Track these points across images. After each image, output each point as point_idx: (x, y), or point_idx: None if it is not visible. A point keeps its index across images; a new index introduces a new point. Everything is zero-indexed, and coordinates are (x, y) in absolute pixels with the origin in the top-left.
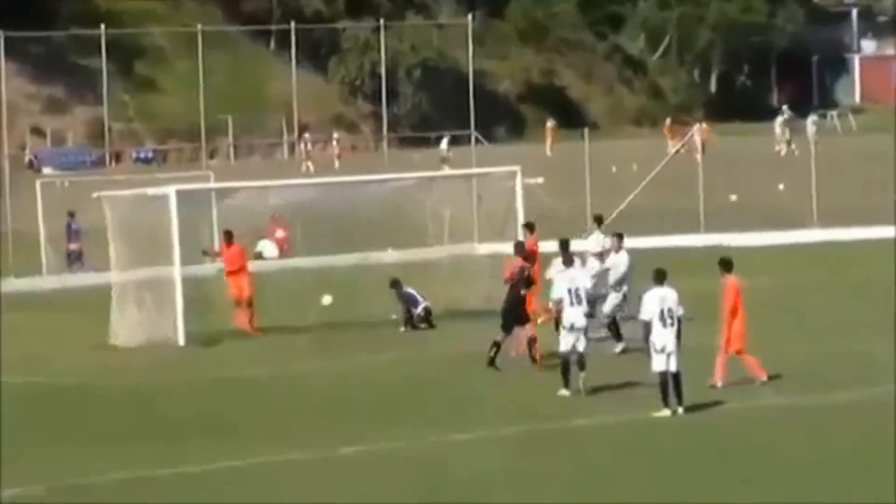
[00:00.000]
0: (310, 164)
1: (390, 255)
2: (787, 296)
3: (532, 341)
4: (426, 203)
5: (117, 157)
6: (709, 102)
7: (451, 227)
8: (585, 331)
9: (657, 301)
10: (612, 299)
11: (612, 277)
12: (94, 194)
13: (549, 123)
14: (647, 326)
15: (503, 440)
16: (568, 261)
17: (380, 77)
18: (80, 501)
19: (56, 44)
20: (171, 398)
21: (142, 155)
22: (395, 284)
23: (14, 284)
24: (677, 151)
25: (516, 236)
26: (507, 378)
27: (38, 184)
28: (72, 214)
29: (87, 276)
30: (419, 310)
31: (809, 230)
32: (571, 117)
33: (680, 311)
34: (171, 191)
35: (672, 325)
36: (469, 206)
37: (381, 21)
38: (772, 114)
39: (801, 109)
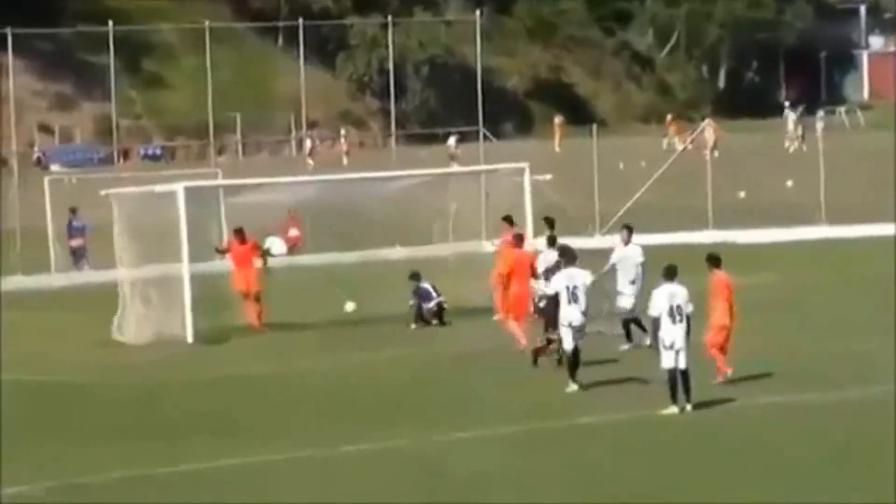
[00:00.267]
0: (311, 160)
1: (398, 252)
2: (794, 293)
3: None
4: (434, 200)
5: (125, 154)
6: (717, 99)
7: (458, 224)
8: (582, 329)
9: (666, 297)
10: (630, 295)
11: (622, 270)
12: (102, 191)
13: (557, 120)
14: (656, 323)
15: (507, 438)
16: (570, 259)
17: (388, 73)
18: (82, 500)
19: (64, 40)
20: (175, 396)
21: (150, 152)
22: (415, 276)
23: (22, 282)
24: (685, 148)
25: (524, 233)
26: (512, 376)
27: (46, 181)
28: (73, 211)
29: (95, 274)
30: (431, 304)
31: (817, 227)
32: (579, 114)
33: (689, 308)
34: (179, 188)
35: (681, 321)
36: (477, 202)
37: (389, 17)
38: (780, 110)
39: (808, 106)
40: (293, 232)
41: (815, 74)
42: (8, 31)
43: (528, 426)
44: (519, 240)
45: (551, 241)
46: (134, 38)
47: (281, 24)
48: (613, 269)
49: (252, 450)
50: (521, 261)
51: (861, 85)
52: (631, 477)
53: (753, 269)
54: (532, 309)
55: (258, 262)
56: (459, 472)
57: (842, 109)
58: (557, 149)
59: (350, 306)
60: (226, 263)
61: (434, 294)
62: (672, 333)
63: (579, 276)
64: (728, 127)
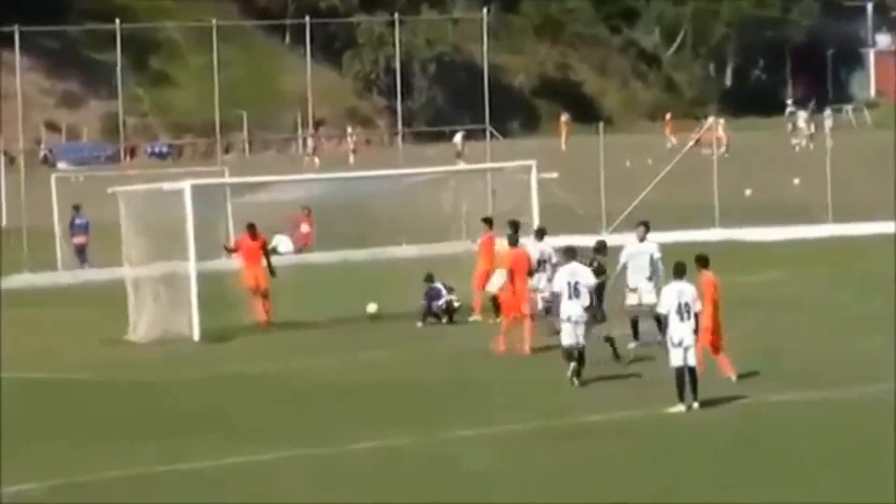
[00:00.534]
0: (316, 159)
1: (404, 250)
2: (801, 290)
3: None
4: (441, 198)
5: (132, 151)
6: (723, 97)
7: (465, 222)
8: (584, 324)
9: (675, 295)
10: (649, 291)
11: (634, 268)
12: (110, 189)
13: (564, 118)
14: (665, 320)
15: (514, 436)
16: (571, 256)
17: (394, 71)
18: (86, 498)
19: (71, 38)
20: (181, 394)
21: (156, 150)
22: (429, 279)
23: (29, 279)
24: (695, 144)
25: (531, 231)
26: (518, 374)
27: (52, 179)
28: (77, 208)
29: (101, 272)
30: (440, 302)
31: (824, 225)
32: (586, 112)
33: (698, 306)
34: (186, 186)
35: (689, 319)
36: (484, 200)
37: (396, 15)
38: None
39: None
40: (305, 228)
41: (821, 73)
42: (15, 28)
43: (535, 424)
44: (514, 240)
45: (539, 235)
46: (141, 36)
47: (288, 22)
48: (624, 266)
49: (258, 448)
50: (518, 259)
51: (868, 83)
52: (638, 475)
53: (760, 267)
54: (541, 307)
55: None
56: (465, 470)
57: (849, 108)
58: (564, 147)
59: (372, 307)
60: (233, 261)
61: (444, 292)
62: (680, 331)
63: (581, 272)
64: (734, 125)
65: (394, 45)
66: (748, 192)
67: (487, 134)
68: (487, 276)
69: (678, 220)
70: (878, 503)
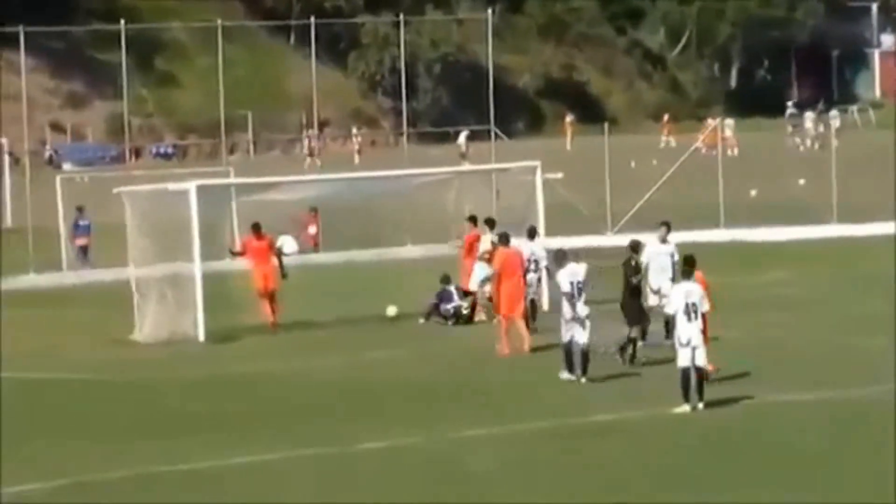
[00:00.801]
0: (316, 160)
1: (409, 251)
2: (806, 291)
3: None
4: (445, 198)
5: (137, 152)
6: (728, 97)
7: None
8: (585, 322)
9: (682, 295)
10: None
11: (656, 269)
12: (115, 189)
13: (568, 118)
14: (672, 320)
15: (520, 436)
16: (563, 258)
17: (399, 72)
18: (91, 498)
19: (76, 39)
20: (185, 394)
21: (161, 150)
22: (445, 280)
23: (34, 280)
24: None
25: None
26: (525, 374)
27: (57, 179)
28: (80, 210)
29: (107, 272)
30: (450, 306)
31: (829, 225)
32: (591, 112)
33: (705, 307)
34: (191, 186)
35: (696, 319)
36: (488, 201)
37: (401, 16)
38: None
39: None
40: (313, 230)
41: (826, 73)
42: (20, 29)
43: (540, 424)
44: (505, 239)
45: (531, 235)
46: (146, 36)
47: (293, 22)
48: (646, 267)
49: (262, 448)
50: (511, 259)
51: (873, 83)
52: (643, 475)
53: (765, 268)
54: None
55: (275, 261)
56: (470, 470)
57: (854, 108)
58: (569, 147)
59: (392, 310)
60: (239, 262)
61: (455, 297)
62: (688, 331)
63: (581, 271)
64: (739, 125)
65: (399, 45)
66: (753, 192)
67: (492, 134)
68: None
69: (683, 220)
70: (878, 503)
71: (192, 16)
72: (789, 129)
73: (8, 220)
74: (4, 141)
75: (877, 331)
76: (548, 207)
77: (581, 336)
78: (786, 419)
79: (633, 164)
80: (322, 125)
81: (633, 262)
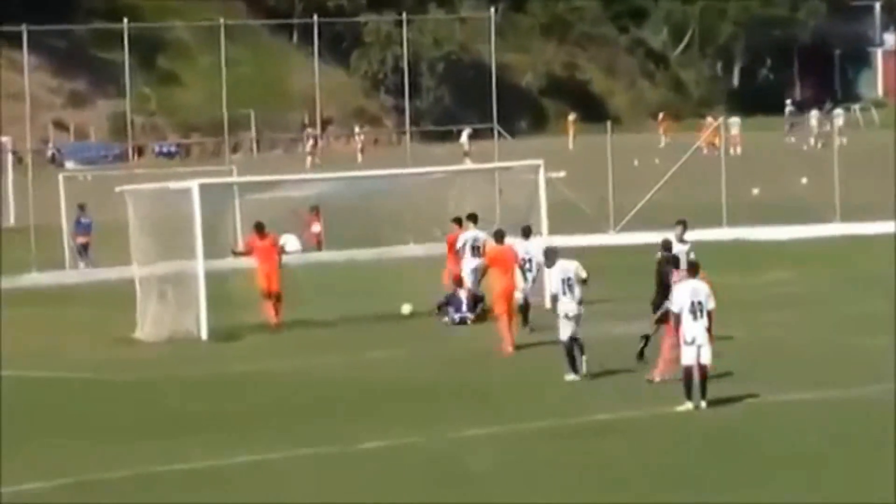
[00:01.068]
0: (316, 158)
1: (411, 249)
2: (808, 290)
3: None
4: (448, 197)
5: (139, 151)
6: (731, 96)
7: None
8: (578, 318)
9: (688, 293)
10: None
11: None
12: (118, 188)
13: (571, 117)
14: (677, 319)
15: (521, 436)
16: (555, 254)
17: (402, 71)
18: (93, 497)
19: (79, 38)
20: (189, 393)
21: (164, 149)
22: (457, 283)
23: (36, 278)
24: (698, 146)
25: (539, 230)
26: (525, 374)
27: (60, 178)
28: (82, 208)
29: (109, 271)
30: (455, 316)
31: (831, 224)
32: (593, 111)
33: (711, 305)
34: (194, 185)
35: (702, 317)
36: (491, 200)
37: (404, 14)
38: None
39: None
40: (315, 228)
41: (829, 72)
42: (23, 28)
43: (541, 423)
44: (499, 236)
45: (526, 233)
46: (149, 35)
47: (296, 21)
48: None
49: (263, 447)
50: (503, 257)
51: (875, 83)
52: (645, 474)
53: (767, 267)
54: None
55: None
56: (473, 469)
57: (856, 107)
58: (571, 146)
59: (406, 308)
60: (243, 261)
61: (464, 307)
62: (693, 329)
63: (572, 268)
64: (742, 124)
65: (401, 44)
66: (756, 191)
67: (495, 133)
68: (458, 276)
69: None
70: (878, 503)
71: (195, 15)
72: (787, 127)
73: (10, 219)
74: (7, 139)
75: (879, 330)
76: (550, 206)
77: (564, 333)
78: (787, 419)
79: (635, 162)
80: (325, 124)
81: (666, 261)
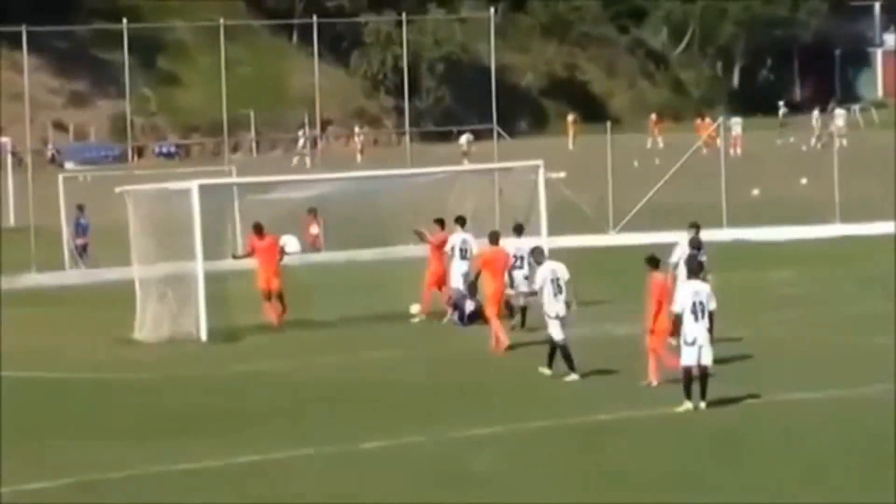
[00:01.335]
0: (306, 159)
1: (411, 250)
2: (808, 290)
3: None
4: (448, 198)
5: (140, 151)
6: (731, 96)
7: (473, 222)
8: (566, 320)
9: (690, 294)
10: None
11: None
12: (117, 189)
13: (571, 117)
14: (679, 319)
15: (522, 436)
16: (541, 254)
17: (402, 71)
18: (95, 497)
19: (79, 38)
20: (189, 393)
21: (164, 150)
22: (471, 289)
23: (36, 279)
24: (699, 146)
25: (539, 230)
26: (525, 374)
27: (60, 178)
28: (80, 208)
29: (109, 271)
30: (455, 318)
31: (832, 225)
32: (594, 111)
33: (712, 306)
34: (193, 185)
35: (703, 318)
36: (491, 200)
37: (404, 15)
38: (794, 108)
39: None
40: (314, 230)
41: (829, 72)
42: (23, 28)
43: (543, 424)
44: (494, 238)
45: (518, 231)
46: (149, 36)
47: (295, 21)
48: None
49: (264, 447)
50: (496, 259)
51: (875, 83)
52: (646, 474)
53: (767, 267)
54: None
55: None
56: (473, 469)
57: (856, 107)
58: (571, 146)
59: (415, 308)
60: (243, 262)
61: (465, 316)
62: (694, 330)
63: (560, 268)
64: (742, 125)
65: (401, 44)
66: (756, 191)
67: (495, 133)
68: (440, 276)
69: (686, 219)
70: (878, 503)
71: (195, 15)
72: (780, 129)
73: (10, 219)
74: (7, 140)
75: (879, 330)
76: (550, 207)
77: (558, 333)
78: (787, 419)
79: (635, 163)
80: (324, 124)
81: (697, 261)
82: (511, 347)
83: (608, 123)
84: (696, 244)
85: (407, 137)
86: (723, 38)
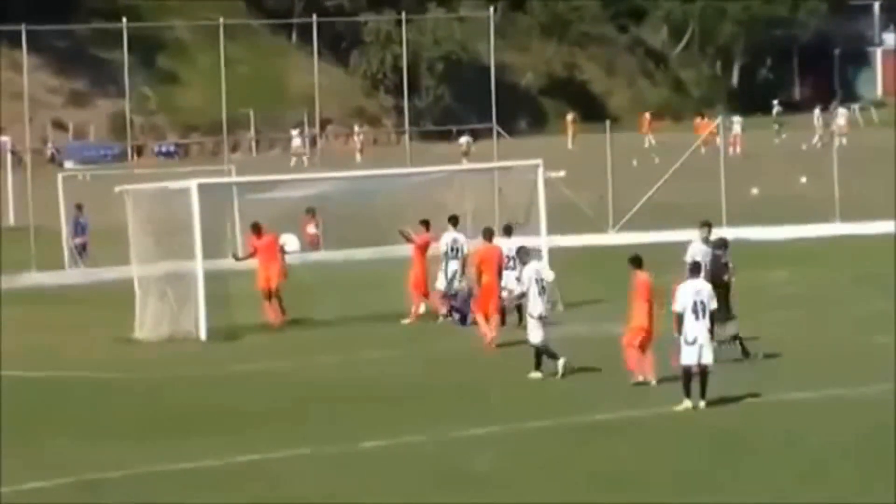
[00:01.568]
0: (303, 158)
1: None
2: (808, 289)
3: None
4: (447, 197)
5: (139, 151)
6: (731, 95)
7: (472, 222)
8: (547, 320)
9: (691, 293)
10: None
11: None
12: (117, 188)
13: (570, 117)
14: (680, 318)
15: (521, 436)
16: (528, 255)
17: (401, 70)
18: (96, 497)
19: (78, 37)
20: (189, 393)
21: (164, 149)
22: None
23: (36, 278)
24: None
25: (538, 230)
26: (524, 374)
27: (59, 178)
28: (79, 208)
29: (108, 270)
30: (456, 316)
31: (831, 224)
32: (593, 110)
33: (713, 305)
34: (193, 185)
35: (704, 317)
36: (490, 199)
37: (403, 14)
38: (793, 107)
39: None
40: (312, 230)
41: (828, 71)
42: (22, 27)
43: (543, 423)
44: (489, 235)
45: (507, 231)
46: (148, 35)
47: (295, 20)
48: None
49: (264, 447)
50: (490, 256)
51: (875, 82)
52: (646, 473)
53: (766, 266)
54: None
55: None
56: (473, 469)
57: (856, 107)
58: (571, 145)
59: (405, 321)
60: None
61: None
62: (695, 329)
63: (545, 270)
64: (742, 124)
65: (401, 43)
66: (755, 190)
67: (494, 133)
68: (423, 278)
69: (685, 219)
70: (878, 503)
71: (195, 14)
72: (775, 127)
73: (10, 219)
74: (7, 139)
75: (879, 329)
76: (550, 206)
77: (536, 336)
78: (787, 419)
79: (634, 162)
80: (324, 123)
81: (723, 261)
82: (498, 345)
83: (608, 123)
84: (721, 244)
85: (406, 137)
86: (722, 38)
